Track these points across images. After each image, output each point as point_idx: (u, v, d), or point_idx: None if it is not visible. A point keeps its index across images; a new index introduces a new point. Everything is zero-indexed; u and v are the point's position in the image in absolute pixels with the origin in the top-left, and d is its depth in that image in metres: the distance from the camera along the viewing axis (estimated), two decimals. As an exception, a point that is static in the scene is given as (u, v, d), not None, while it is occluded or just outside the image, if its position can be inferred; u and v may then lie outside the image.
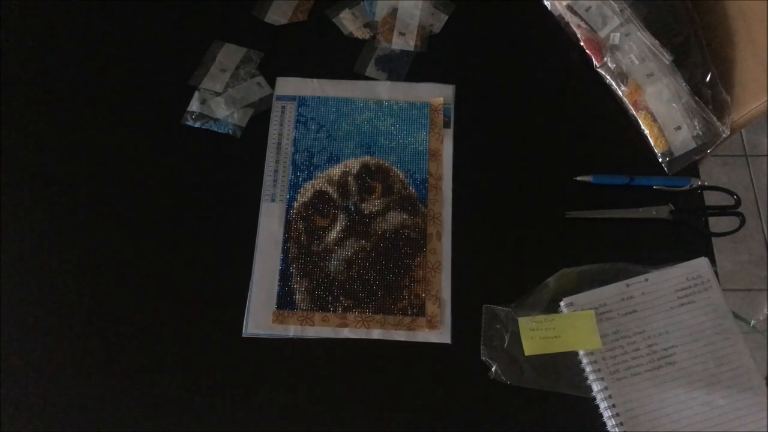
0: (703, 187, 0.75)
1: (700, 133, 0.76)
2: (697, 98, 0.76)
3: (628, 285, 0.69)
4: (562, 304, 0.69)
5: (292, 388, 0.66)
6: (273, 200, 0.75)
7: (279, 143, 0.78)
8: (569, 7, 0.82)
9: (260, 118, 0.79)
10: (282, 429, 0.65)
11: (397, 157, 0.77)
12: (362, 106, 0.79)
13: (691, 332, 0.67)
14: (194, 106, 0.79)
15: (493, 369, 0.66)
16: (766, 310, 1.37)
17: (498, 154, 0.78)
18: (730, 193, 0.75)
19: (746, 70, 0.78)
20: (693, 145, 0.76)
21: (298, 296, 0.70)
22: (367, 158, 0.77)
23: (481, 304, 0.69)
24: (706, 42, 0.79)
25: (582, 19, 0.81)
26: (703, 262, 0.70)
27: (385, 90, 0.80)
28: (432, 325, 0.69)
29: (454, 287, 0.71)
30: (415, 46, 0.83)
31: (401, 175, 0.76)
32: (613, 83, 0.79)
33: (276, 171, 0.76)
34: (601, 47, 0.80)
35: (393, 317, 0.69)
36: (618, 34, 0.79)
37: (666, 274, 0.69)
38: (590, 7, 0.81)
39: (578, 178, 0.75)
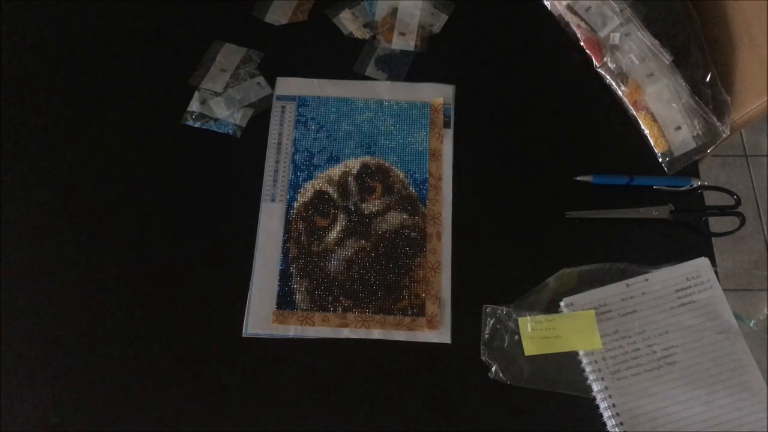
0: (703, 187, 0.75)
1: (700, 133, 0.76)
2: (697, 98, 0.76)
3: (628, 285, 0.69)
4: (562, 304, 0.69)
5: (292, 388, 0.66)
6: (273, 200, 0.75)
7: (279, 143, 0.78)
8: (569, 7, 0.82)
9: (260, 118, 0.79)
10: (282, 429, 0.65)
11: (397, 157, 0.77)
12: (362, 106, 0.79)
13: (691, 332, 0.67)
14: (194, 106, 0.79)
15: (493, 369, 0.66)
16: (766, 310, 1.37)
17: (498, 154, 0.78)
18: (730, 193, 0.75)
19: (746, 70, 0.78)
20: (693, 145, 0.76)
21: (298, 296, 0.70)
22: (367, 158, 0.77)
23: (481, 304, 0.69)
24: (706, 42, 0.79)
25: (582, 19, 0.81)
26: (703, 262, 0.70)
27: (385, 90, 0.80)
28: (432, 325, 0.69)
29: (454, 287, 0.71)
30: (415, 46, 0.83)
31: (401, 175, 0.76)
32: (613, 83, 0.79)
33: (276, 171, 0.76)
34: (601, 47, 0.80)
35: (393, 317, 0.69)
36: (618, 34, 0.79)
37: (666, 274, 0.69)
38: (590, 7, 0.81)
39: (578, 178, 0.75)
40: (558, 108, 0.80)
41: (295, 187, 0.75)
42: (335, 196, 0.75)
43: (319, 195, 0.75)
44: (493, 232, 0.74)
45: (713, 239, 0.73)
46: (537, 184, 0.76)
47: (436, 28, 0.85)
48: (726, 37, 0.80)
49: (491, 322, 0.68)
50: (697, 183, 0.75)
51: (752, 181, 1.53)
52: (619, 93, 0.79)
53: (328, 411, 0.66)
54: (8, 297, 0.70)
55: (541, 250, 0.72)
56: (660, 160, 0.76)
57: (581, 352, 0.67)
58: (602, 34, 0.80)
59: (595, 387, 0.65)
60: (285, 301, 0.70)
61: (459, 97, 0.80)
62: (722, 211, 0.76)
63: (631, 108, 0.78)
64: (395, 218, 0.74)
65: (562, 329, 0.67)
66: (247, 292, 0.70)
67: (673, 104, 0.76)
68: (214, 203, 0.75)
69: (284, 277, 0.71)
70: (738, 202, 0.75)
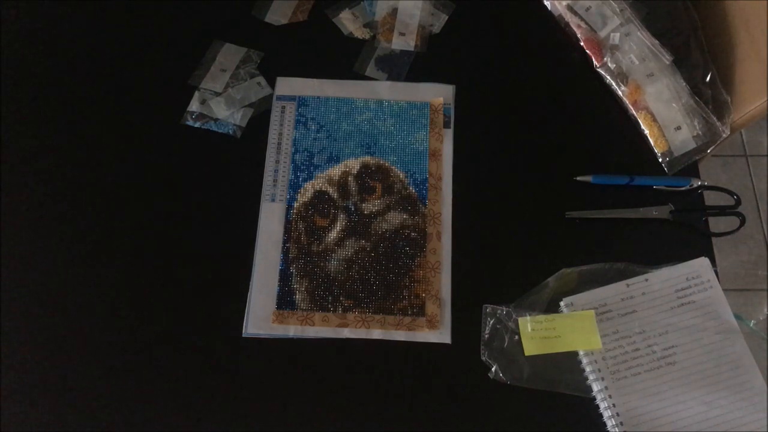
0: (703, 187, 0.75)
1: (700, 133, 0.76)
2: (697, 98, 0.76)
3: (628, 285, 0.69)
4: (562, 304, 0.69)
5: (292, 388, 0.66)
6: (273, 200, 0.75)
7: (279, 143, 0.78)
8: (569, 7, 0.82)
9: (260, 118, 0.79)
10: (282, 429, 0.65)
11: (397, 157, 0.77)
12: (362, 106, 0.79)
13: (691, 332, 0.67)
14: (194, 106, 0.79)
15: (493, 369, 0.66)
16: (766, 310, 1.37)
17: (498, 154, 0.78)
18: (730, 193, 0.75)
19: (746, 70, 0.78)
20: (693, 145, 0.76)
21: (298, 296, 0.70)
22: (367, 158, 0.77)
23: (481, 304, 0.69)
24: (706, 42, 0.79)
25: (582, 19, 0.81)
26: (703, 262, 0.70)
27: (385, 90, 0.80)
28: (432, 325, 0.69)
29: (454, 287, 0.71)
30: (415, 46, 0.83)
31: (401, 175, 0.76)
32: (613, 83, 0.79)
33: (276, 171, 0.76)
34: (601, 47, 0.80)
35: (393, 317, 0.69)
36: (618, 34, 0.79)
37: (666, 274, 0.69)
38: (590, 7, 0.81)
39: (578, 178, 0.75)
40: (558, 108, 0.80)
41: (295, 187, 0.75)
42: (335, 196, 0.75)
43: (319, 195, 0.75)
44: (493, 232, 0.74)
45: (713, 239, 0.73)
46: (537, 184, 0.76)
47: (436, 28, 0.85)
48: (726, 37, 0.80)
49: (491, 322, 0.68)
50: (697, 183, 0.75)
51: (752, 181, 1.53)
52: (619, 93, 0.79)
53: (328, 411, 0.66)
54: (8, 297, 0.70)
55: (541, 250, 0.72)
56: (660, 160, 0.76)
57: (581, 352, 0.67)
58: (602, 34, 0.80)
59: (595, 387, 0.65)
60: (285, 301, 0.70)
61: (459, 97, 0.80)
62: (722, 211, 0.76)
63: (631, 108, 0.78)
64: (395, 218, 0.74)
65: (562, 329, 0.67)
66: (247, 292, 0.70)
67: (673, 104, 0.76)
68: (214, 203, 0.75)
69: (284, 277, 0.71)
70: (738, 202, 0.75)
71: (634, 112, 0.78)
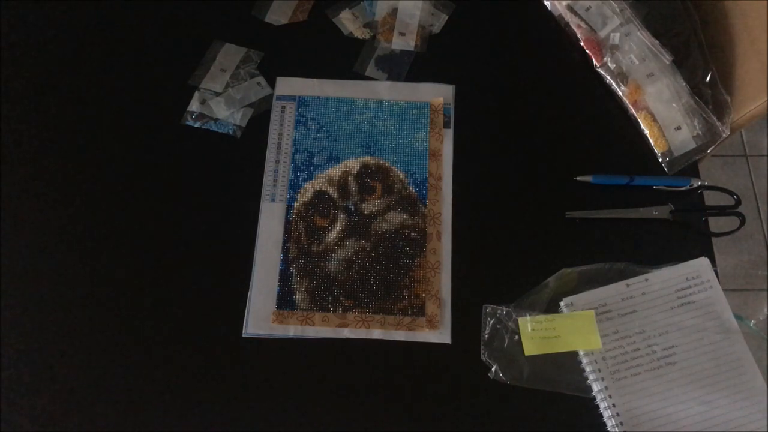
0: (703, 187, 0.75)
1: (700, 133, 0.76)
2: (697, 98, 0.76)
3: (628, 285, 0.69)
4: (562, 304, 0.69)
5: (292, 388, 0.66)
6: (273, 200, 0.75)
7: (279, 143, 0.78)
8: (569, 7, 0.82)
9: (260, 118, 0.79)
10: (282, 429, 0.65)
11: (397, 157, 0.77)
12: (362, 106, 0.79)
13: (691, 332, 0.67)
14: (194, 106, 0.79)
15: (493, 369, 0.66)
16: (766, 310, 1.37)
17: (498, 154, 0.78)
18: (730, 193, 0.75)
19: (746, 70, 0.78)
20: (693, 145, 0.76)
21: (298, 296, 0.70)
22: (367, 158, 0.77)
23: (481, 304, 0.69)
24: (706, 42, 0.79)
25: (582, 19, 0.81)
26: (703, 262, 0.70)
27: (385, 90, 0.80)
28: (432, 325, 0.69)
29: (454, 287, 0.71)
30: (415, 46, 0.83)
31: (401, 175, 0.76)
32: (613, 83, 0.79)
33: (276, 171, 0.76)
34: (601, 47, 0.80)
35: (393, 317, 0.69)
36: (618, 34, 0.79)
37: (666, 274, 0.69)
38: (590, 7, 0.81)
39: (578, 178, 0.75)
40: (558, 108, 0.80)
41: (295, 187, 0.75)
42: (335, 196, 0.75)
43: (319, 195, 0.75)
44: (493, 232, 0.74)
45: (713, 239, 0.73)
46: (537, 184, 0.76)
47: (436, 28, 0.85)
48: (726, 37, 0.80)
49: (491, 322, 0.68)
50: (697, 183, 0.75)
51: (752, 181, 1.53)
52: (619, 93, 0.79)
53: (328, 411, 0.66)
54: (9, 298, 0.70)
55: (541, 250, 0.72)
56: (660, 160, 0.76)
57: (581, 352, 0.67)
58: (602, 34, 0.80)
59: (595, 387, 0.65)
60: (285, 301, 0.70)
61: (459, 97, 0.80)
62: (722, 211, 0.76)
63: (631, 108, 0.78)
64: (395, 218, 0.74)
65: (562, 329, 0.67)
66: (247, 292, 0.70)
67: (673, 104, 0.76)
68: (214, 203, 0.75)
69: (284, 277, 0.71)
70: (738, 202, 0.75)
71: (634, 112, 0.78)
